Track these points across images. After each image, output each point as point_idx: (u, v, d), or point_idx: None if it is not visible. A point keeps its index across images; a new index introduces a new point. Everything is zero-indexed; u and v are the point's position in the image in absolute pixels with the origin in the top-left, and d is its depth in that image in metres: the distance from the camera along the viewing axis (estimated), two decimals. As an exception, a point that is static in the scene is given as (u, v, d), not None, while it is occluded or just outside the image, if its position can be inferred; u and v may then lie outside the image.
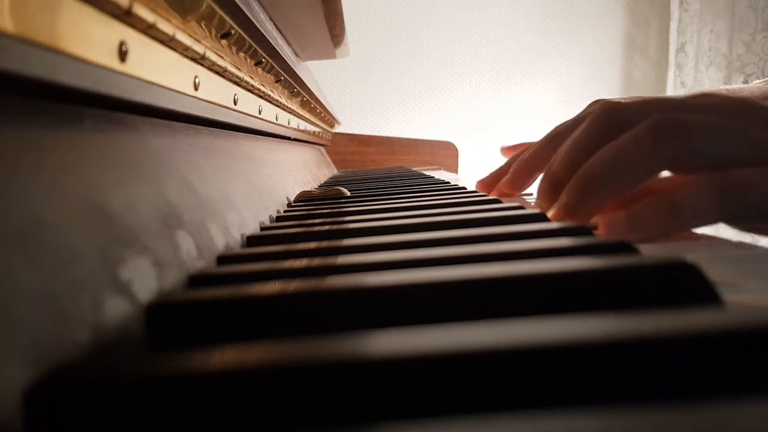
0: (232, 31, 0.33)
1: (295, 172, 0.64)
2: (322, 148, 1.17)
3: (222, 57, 0.34)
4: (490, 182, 0.54)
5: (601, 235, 0.30)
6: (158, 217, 0.21)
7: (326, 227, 0.33)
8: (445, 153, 1.42)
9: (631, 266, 0.17)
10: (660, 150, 0.30)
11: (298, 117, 0.73)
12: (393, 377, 0.11)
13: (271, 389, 0.11)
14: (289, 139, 0.70)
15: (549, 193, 0.36)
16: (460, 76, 2.14)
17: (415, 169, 1.09)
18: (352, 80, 2.08)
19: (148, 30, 0.23)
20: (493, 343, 0.11)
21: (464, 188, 0.53)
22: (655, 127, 0.30)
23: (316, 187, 0.70)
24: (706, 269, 0.16)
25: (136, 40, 0.22)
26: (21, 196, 0.14)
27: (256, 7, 0.40)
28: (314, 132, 0.92)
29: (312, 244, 0.27)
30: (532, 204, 0.43)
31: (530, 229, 0.26)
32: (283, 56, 0.46)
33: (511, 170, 0.48)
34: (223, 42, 0.33)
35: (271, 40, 0.40)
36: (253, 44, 0.38)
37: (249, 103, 0.44)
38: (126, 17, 0.21)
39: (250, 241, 0.31)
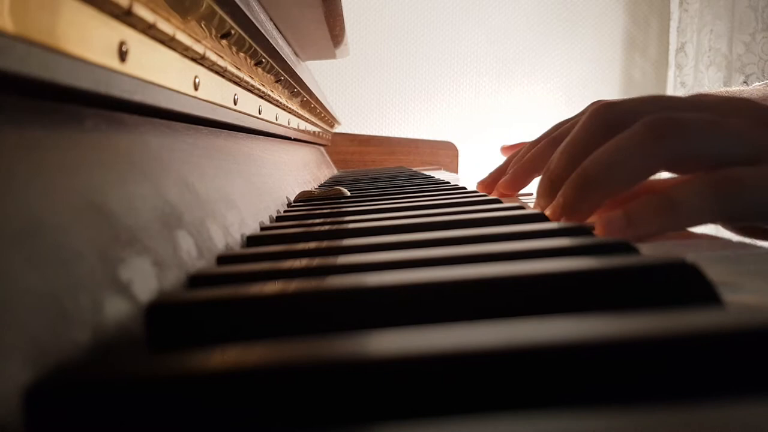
0: (232, 31, 0.33)
1: (295, 172, 0.64)
2: (322, 148, 1.17)
3: (222, 57, 0.34)
4: (490, 182, 0.54)
5: (598, 233, 0.30)
6: (158, 217, 0.21)
7: (326, 227, 0.33)
8: (445, 153, 1.42)
9: (631, 266, 0.17)
10: (657, 149, 0.30)
11: (298, 117, 0.73)
12: (393, 377, 0.11)
13: (272, 389, 0.11)
14: (289, 139, 0.70)
15: (548, 192, 0.36)
16: (460, 76, 2.14)
17: (415, 169, 1.09)
18: (352, 80, 2.08)
19: (148, 30, 0.23)
20: (493, 343, 0.11)
21: (464, 188, 0.53)
22: (651, 126, 0.30)
23: (316, 187, 0.70)
24: (706, 269, 0.16)
25: (136, 40, 0.22)
26: (21, 196, 0.14)
27: (256, 7, 0.40)
28: (314, 132, 0.92)
29: (312, 244, 0.27)
30: (532, 204, 0.43)
31: (530, 229, 0.26)
32: (283, 56, 0.46)
33: (511, 171, 0.48)
34: (223, 42, 0.33)
35: (271, 40, 0.40)
36: (253, 44, 0.38)
37: (249, 103, 0.44)
38: (126, 17, 0.21)
39: (250, 241, 0.31)
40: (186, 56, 0.29)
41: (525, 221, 0.31)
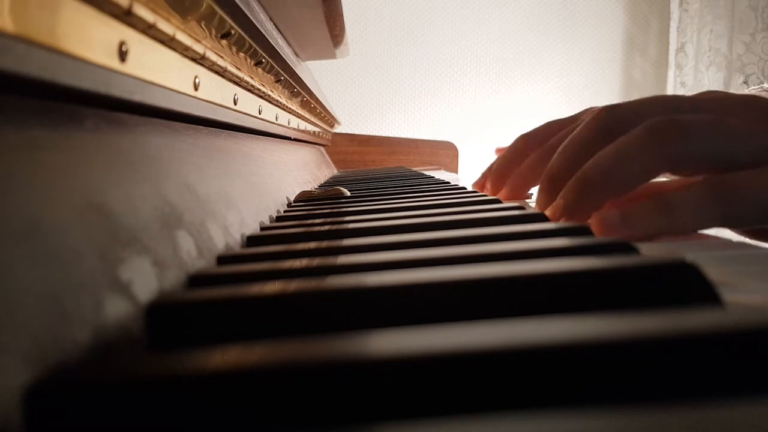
0: (232, 31, 0.33)
1: (295, 172, 0.64)
2: (322, 148, 1.17)
3: (222, 57, 0.34)
4: (482, 183, 0.54)
5: (594, 231, 0.30)
6: (158, 217, 0.21)
7: (326, 227, 0.33)
8: (445, 153, 1.42)
9: (631, 266, 0.17)
10: (659, 152, 0.30)
11: (298, 117, 0.73)
12: (393, 377, 0.11)
13: (271, 389, 0.11)
14: (289, 139, 0.70)
15: (550, 191, 0.36)
16: (460, 76, 2.14)
17: (415, 169, 1.09)
18: (352, 80, 2.08)
19: (148, 30, 0.23)
20: (493, 343, 0.11)
21: (464, 188, 0.53)
22: (653, 129, 0.30)
23: (316, 187, 0.70)
24: (706, 269, 0.16)
25: (136, 40, 0.22)
26: (21, 196, 0.14)
27: (256, 7, 0.40)
28: (314, 132, 0.92)
29: (312, 244, 0.27)
30: (533, 204, 0.43)
31: (530, 229, 0.26)
32: (283, 56, 0.46)
33: (508, 183, 0.48)
34: (223, 42, 0.33)
35: (271, 40, 0.40)
36: (253, 44, 0.38)
37: (249, 103, 0.44)
38: (126, 17, 0.21)
39: (250, 241, 0.31)
40: (186, 56, 0.29)
41: (525, 221, 0.31)
